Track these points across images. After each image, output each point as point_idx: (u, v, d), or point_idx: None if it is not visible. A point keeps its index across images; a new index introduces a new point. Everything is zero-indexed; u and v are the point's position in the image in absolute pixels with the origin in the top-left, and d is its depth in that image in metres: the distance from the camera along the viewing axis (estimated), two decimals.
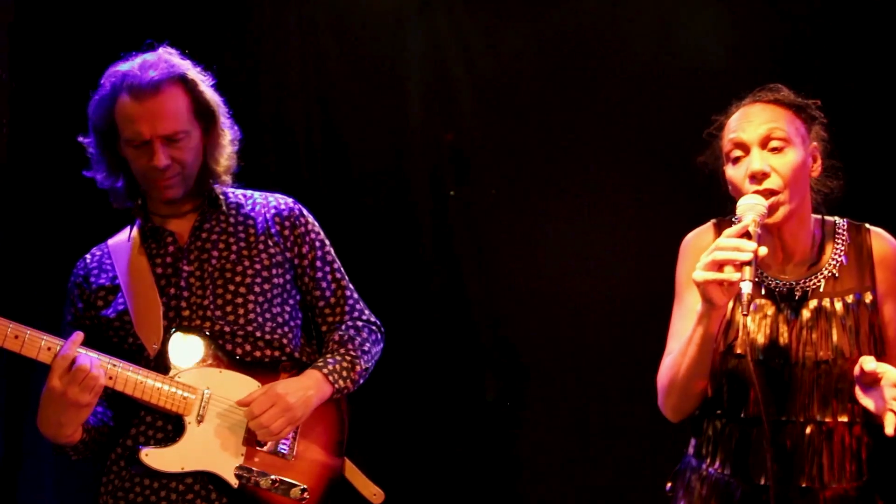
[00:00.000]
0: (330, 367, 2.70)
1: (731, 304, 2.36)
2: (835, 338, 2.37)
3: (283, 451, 2.64)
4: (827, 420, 2.37)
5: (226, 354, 2.65)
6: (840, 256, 2.44)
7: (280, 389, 2.60)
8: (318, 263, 2.84)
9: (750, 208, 2.29)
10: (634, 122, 3.74)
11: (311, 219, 2.88)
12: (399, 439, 3.84)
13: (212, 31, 3.84)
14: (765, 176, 2.33)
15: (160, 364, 2.60)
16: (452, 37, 3.90)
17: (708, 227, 2.56)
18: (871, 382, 2.24)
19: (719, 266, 2.22)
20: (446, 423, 3.89)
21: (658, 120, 3.67)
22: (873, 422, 2.38)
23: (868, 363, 2.22)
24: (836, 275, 2.43)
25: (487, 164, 3.92)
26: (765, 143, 2.36)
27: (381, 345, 2.90)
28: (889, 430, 2.17)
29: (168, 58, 2.70)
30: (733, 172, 2.40)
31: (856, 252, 2.45)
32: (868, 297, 2.41)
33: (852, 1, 3.52)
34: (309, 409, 2.63)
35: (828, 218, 2.49)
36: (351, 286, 2.90)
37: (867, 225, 2.49)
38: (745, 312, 2.19)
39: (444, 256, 3.95)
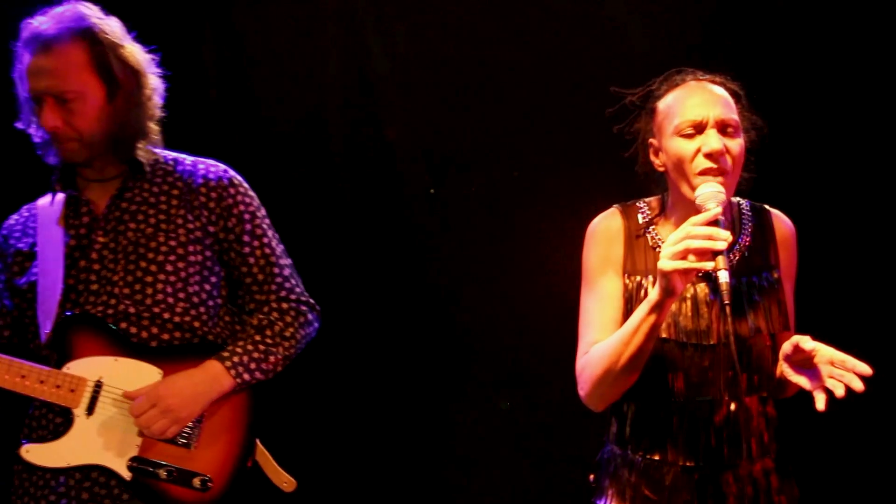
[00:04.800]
0: (237, 357, 2.58)
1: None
2: (751, 316, 2.46)
3: (182, 440, 2.54)
4: (748, 397, 2.45)
5: (125, 340, 2.54)
6: (747, 236, 2.53)
7: (163, 389, 2.50)
8: (246, 238, 2.69)
9: (712, 196, 2.30)
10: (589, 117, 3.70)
11: (242, 189, 2.73)
12: (323, 429, 3.76)
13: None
14: (723, 156, 2.35)
15: (53, 350, 2.51)
16: (375, 30, 3.85)
17: (613, 211, 2.57)
18: (803, 361, 2.30)
19: (686, 255, 2.20)
20: (376, 414, 3.84)
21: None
22: (776, 397, 2.51)
23: (806, 343, 2.25)
24: (746, 254, 2.51)
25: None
26: (722, 127, 2.38)
27: (313, 326, 2.76)
28: (820, 406, 2.22)
29: (80, 13, 2.56)
30: (682, 146, 2.38)
31: (760, 232, 2.54)
32: (774, 275, 2.52)
33: None
34: (199, 407, 2.53)
35: (731, 199, 2.53)
36: (284, 262, 2.74)
37: (766, 206, 2.61)
38: (727, 302, 2.19)
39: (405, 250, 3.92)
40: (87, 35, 2.54)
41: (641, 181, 2.58)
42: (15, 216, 2.74)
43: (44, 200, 2.70)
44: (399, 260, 3.88)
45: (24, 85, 2.55)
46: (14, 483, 2.60)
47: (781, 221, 2.60)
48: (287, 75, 3.86)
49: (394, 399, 3.85)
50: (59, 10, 2.57)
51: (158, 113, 2.69)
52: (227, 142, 3.82)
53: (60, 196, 2.66)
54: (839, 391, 2.20)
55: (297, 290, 2.75)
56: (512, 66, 3.78)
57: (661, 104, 2.48)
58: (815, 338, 2.29)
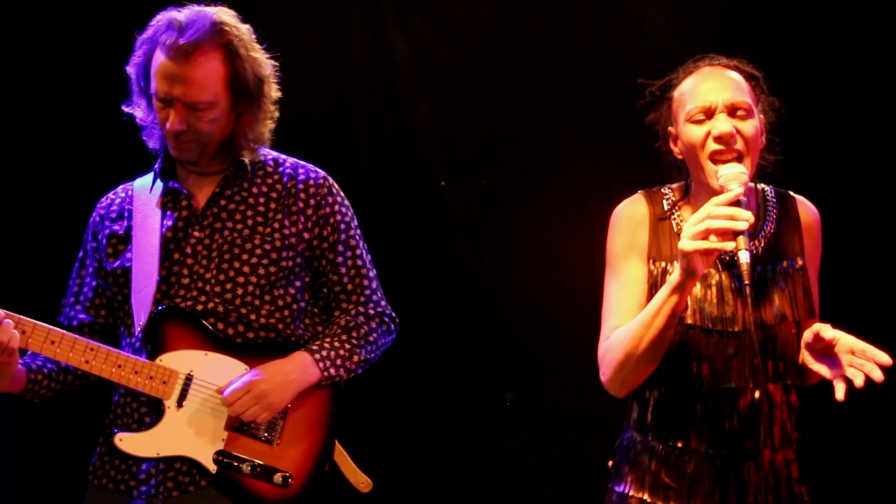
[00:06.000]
0: (325, 352, 2.62)
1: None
2: (776, 302, 2.43)
3: (266, 436, 2.57)
4: (773, 384, 2.42)
5: (214, 336, 2.58)
6: (773, 223, 2.51)
7: (256, 376, 2.53)
8: (340, 248, 2.71)
9: (734, 177, 2.30)
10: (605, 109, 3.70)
11: (339, 198, 2.74)
12: (393, 431, 3.78)
13: None
14: (732, 138, 2.36)
15: (146, 342, 2.56)
16: (398, 22, 3.86)
17: (638, 197, 2.57)
18: (824, 349, 2.28)
19: (707, 235, 2.20)
20: (438, 417, 3.85)
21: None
22: (800, 385, 2.47)
23: (827, 331, 2.23)
24: (772, 241, 2.49)
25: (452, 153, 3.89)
26: (732, 110, 2.39)
27: (392, 336, 2.80)
28: (840, 396, 2.20)
29: (218, 20, 2.55)
30: (693, 131, 2.40)
31: (785, 219, 2.53)
32: (799, 262, 2.49)
33: None
34: (289, 395, 2.56)
35: (756, 186, 2.54)
36: (372, 274, 2.77)
37: (791, 192, 2.59)
38: (747, 282, 2.18)
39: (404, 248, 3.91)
40: (226, 48, 2.55)
41: (665, 169, 2.60)
42: (111, 195, 2.77)
43: (142, 183, 2.73)
44: (421, 253, 3.91)
45: (152, 83, 2.55)
46: (95, 463, 2.65)
47: (806, 208, 2.58)
48: (309, 67, 3.84)
49: (421, 395, 3.88)
50: (196, 11, 2.57)
51: (274, 118, 2.72)
52: None
53: (160, 184, 2.69)
54: (858, 381, 2.18)
55: (383, 303, 2.79)
56: (530, 56, 3.78)
57: (677, 92, 2.51)
58: (839, 325, 2.27)
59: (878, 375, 2.17)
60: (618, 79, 3.39)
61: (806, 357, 2.32)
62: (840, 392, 2.21)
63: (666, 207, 2.54)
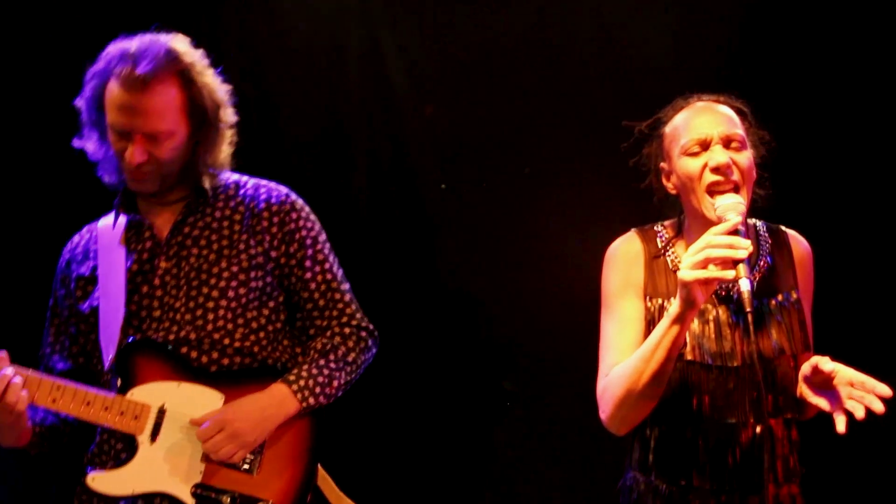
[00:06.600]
0: (302, 381, 2.57)
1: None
2: (774, 336, 2.45)
3: (245, 466, 2.53)
4: (774, 420, 2.43)
5: (187, 365, 2.54)
6: (766, 257, 2.53)
7: (230, 414, 2.48)
8: (308, 263, 2.68)
9: (732, 207, 2.32)
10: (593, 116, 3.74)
11: (304, 213, 2.72)
12: (379, 454, 3.72)
13: (149, 16, 3.45)
14: (729, 169, 2.38)
15: (117, 376, 2.51)
16: (391, 35, 3.87)
17: (632, 235, 2.59)
18: (822, 382, 2.29)
19: (706, 264, 2.21)
20: (429, 434, 3.79)
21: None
22: (800, 419, 2.48)
23: (825, 364, 2.26)
24: (766, 275, 2.52)
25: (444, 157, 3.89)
26: (727, 142, 2.42)
27: (373, 351, 2.76)
28: (840, 429, 2.21)
29: (172, 48, 2.52)
30: (689, 164, 2.42)
31: (778, 253, 2.56)
32: (794, 296, 2.52)
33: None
34: (266, 432, 2.52)
35: (748, 221, 2.55)
36: (344, 287, 2.73)
37: (783, 227, 2.62)
38: (748, 310, 2.18)
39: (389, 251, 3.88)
40: (182, 75, 2.53)
41: (657, 207, 2.62)
42: (76, 237, 2.75)
43: (105, 221, 2.71)
44: (417, 261, 3.89)
45: (107, 115, 2.52)
46: (74, 502, 2.60)
47: (798, 242, 2.61)
48: (304, 79, 3.88)
49: (415, 400, 3.83)
50: (149, 40, 2.53)
51: (233, 142, 2.69)
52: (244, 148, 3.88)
53: (122, 218, 2.66)
54: (859, 413, 2.19)
55: (358, 315, 2.75)
56: (527, 68, 3.82)
57: (668, 128, 2.54)
58: (833, 358, 2.28)
59: (878, 407, 2.19)
60: (613, 85, 3.55)
61: (804, 390, 2.33)
62: (841, 425, 2.22)
63: (660, 245, 2.56)
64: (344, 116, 3.88)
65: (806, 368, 2.31)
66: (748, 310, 2.18)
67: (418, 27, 3.85)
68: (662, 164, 2.56)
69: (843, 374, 2.26)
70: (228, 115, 2.66)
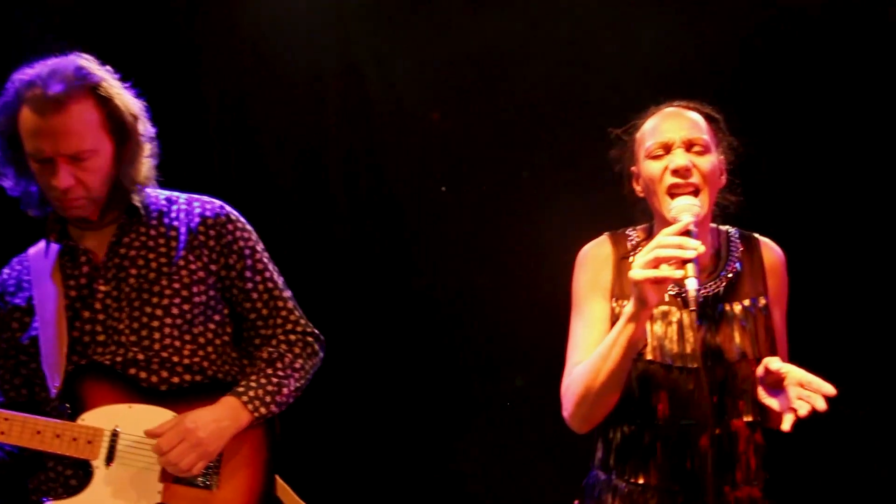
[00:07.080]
0: (252, 392, 2.55)
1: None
2: (737, 340, 2.48)
3: (204, 482, 2.51)
4: (735, 421, 2.45)
5: (137, 386, 2.50)
6: (735, 263, 2.55)
7: (189, 423, 2.45)
8: (248, 273, 2.66)
9: (686, 209, 2.36)
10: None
11: (239, 224, 2.69)
12: (334, 452, 3.75)
13: (130, 39, 3.62)
14: (688, 171, 2.42)
15: (65, 403, 2.47)
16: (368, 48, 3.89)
17: (604, 239, 2.63)
18: (775, 383, 2.33)
19: (657, 264, 2.25)
20: (394, 438, 3.82)
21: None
22: (764, 424, 2.51)
23: (773, 363, 2.31)
24: (734, 280, 2.53)
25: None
26: (689, 146, 2.46)
27: (320, 355, 2.74)
28: (786, 427, 2.25)
29: (81, 66, 2.47)
30: (652, 166, 2.46)
31: (749, 260, 2.58)
32: (762, 302, 2.54)
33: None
34: (223, 441, 2.49)
35: (720, 227, 2.61)
36: (286, 294, 2.72)
37: (756, 234, 2.64)
38: (692, 308, 2.23)
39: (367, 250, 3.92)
40: (95, 91, 2.47)
41: (631, 212, 2.64)
42: (6, 270, 2.68)
43: (36, 250, 2.64)
44: (404, 269, 3.91)
45: (26, 145, 2.45)
46: None
47: (770, 249, 2.62)
48: (285, 98, 3.90)
49: (400, 408, 3.85)
50: (53, 62, 2.48)
51: (154, 155, 2.64)
52: (225, 168, 3.89)
53: (54, 246, 2.60)
54: (802, 411, 2.23)
55: (302, 321, 2.74)
56: (520, 74, 3.86)
57: (638, 133, 2.58)
58: (809, 364, 2.32)
59: (821, 405, 2.23)
60: (608, 91, 3.55)
61: (759, 392, 2.36)
62: (786, 423, 2.26)
63: (629, 247, 2.57)
64: (322, 134, 3.92)
65: (759, 369, 2.35)
66: (693, 308, 2.23)
67: (400, 41, 3.87)
68: (633, 168, 2.57)
69: (793, 374, 2.29)
70: (147, 127, 2.60)
